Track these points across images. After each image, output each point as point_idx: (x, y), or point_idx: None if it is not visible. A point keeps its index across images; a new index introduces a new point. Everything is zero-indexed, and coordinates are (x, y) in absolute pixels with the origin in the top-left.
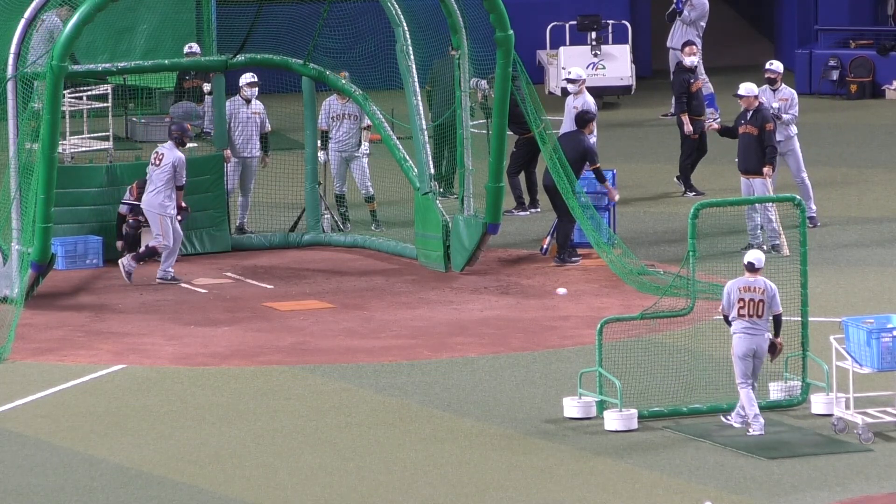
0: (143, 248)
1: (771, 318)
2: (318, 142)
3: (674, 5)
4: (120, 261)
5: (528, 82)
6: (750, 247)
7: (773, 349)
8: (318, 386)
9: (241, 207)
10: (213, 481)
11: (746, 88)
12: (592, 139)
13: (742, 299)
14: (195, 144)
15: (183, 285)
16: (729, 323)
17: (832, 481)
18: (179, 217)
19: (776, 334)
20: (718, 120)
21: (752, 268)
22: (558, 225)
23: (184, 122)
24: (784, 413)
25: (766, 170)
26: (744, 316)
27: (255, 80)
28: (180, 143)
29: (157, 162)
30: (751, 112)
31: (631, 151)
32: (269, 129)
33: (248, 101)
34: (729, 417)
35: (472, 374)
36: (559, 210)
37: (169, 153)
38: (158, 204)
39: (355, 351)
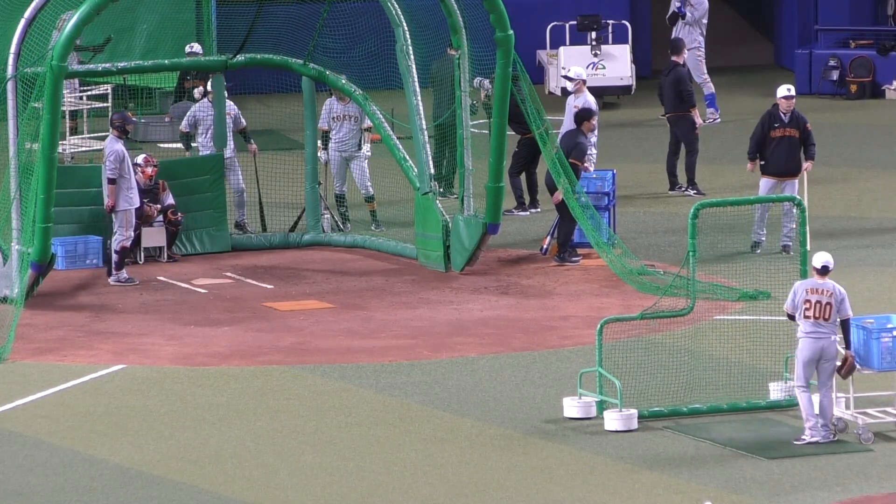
0: (114, 257)
1: (839, 322)
2: (319, 142)
3: (674, 8)
4: (109, 281)
5: (529, 83)
6: (756, 245)
7: (844, 364)
8: (318, 386)
9: (237, 206)
10: (213, 481)
11: (792, 90)
12: (594, 138)
13: (808, 301)
14: (192, 144)
15: (182, 285)
16: (792, 319)
17: (832, 481)
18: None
19: (847, 343)
20: (716, 118)
21: (825, 271)
22: (559, 224)
23: (125, 111)
24: (784, 413)
25: (808, 165)
26: (809, 318)
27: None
28: (123, 132)
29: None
30: (788, 114)
31: (631, 151)
32: (245, 124)
33: None
34: (803, 438)
35: (472, 374)
36: (560, 209)
37: (108, 145)
38: (116, 199)
39: (355, 351)
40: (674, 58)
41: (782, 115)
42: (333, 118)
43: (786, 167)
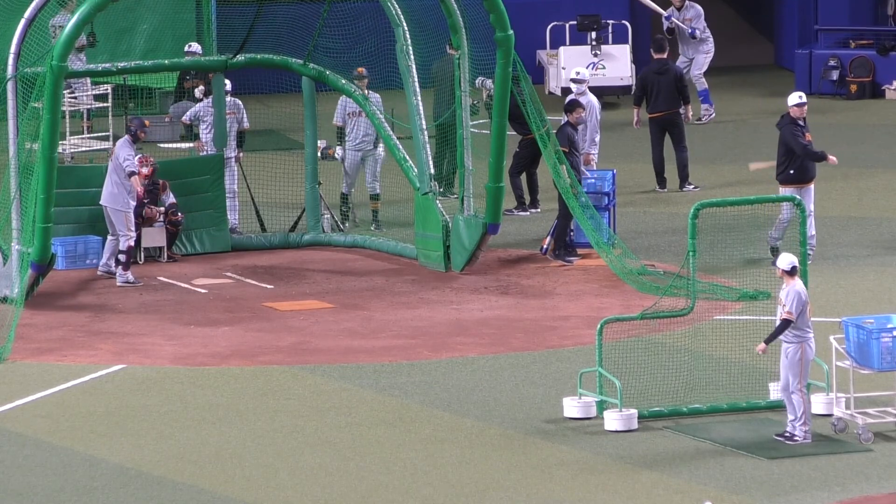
0: (122, 257)
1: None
2: (322, 142)
3: (689, 32)
4: (117, 280)
5: (529, 83)
6: (775, 250)
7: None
8: (318, 386)
9: (230, 210)
10: (213, 481)
11: (803, 96)
12: (597, 137)
13: (807, 303)
14: (193, 144)
15: (182, 285)
16: (788, 326)
17: (832, 481)
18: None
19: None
20: (711, 114)
21: (796, 271)
22: (557, 221)
23: (141, 118)
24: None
25: (832, 158)
26: (810, 319)
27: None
28: (134, 138)
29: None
30: (802, 120)
31: (631, 151)
32: (248, 126)
33: None
34: (787, 434)
35: (472, 374)
36: (559, 207)
37: (120, 149)
38: (119, 199)
39: (355, 351)
40: (659, 55)
41: (800, 122)
42: (349, 114)
43: (808, 174)
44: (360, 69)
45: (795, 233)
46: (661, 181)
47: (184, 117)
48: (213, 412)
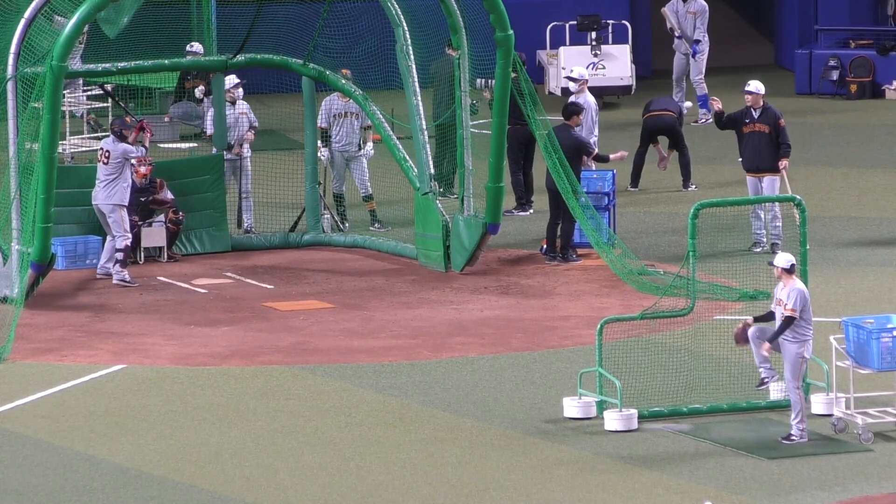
0: (120, 255)
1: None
2: (319, 141)
3: (690, 49)
4: (113, 280)
5: (528, 81)
6: (756, 245)
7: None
8: (318, 386)
9: (245, 210)
10: (213, 481)
11: (756, 86)
12: (593, 138)
13: (808, 301)
14: (195, 144)
15: (182, 285)
16: (791, 324)
17: (832, 481)
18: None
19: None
20: (708, 118)
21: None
22: (562, 225)
23: (123, 118)
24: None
25: (784, 163)
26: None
27: (239, 80)
28: (121, 138)
29: (106, 159)
30: (758, 110)
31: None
32: (257, 124)
33: (233, 103)
34: (792, 437)
35: (472, 374)
36: (563, 210)
37: (114, 148)
38: (113, 196)
39: (355, 351)
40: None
41: (752, 110)
42: (334, 116)
43: (754, 163)
44: (344, 70)
45: (794, 233)
46: (636, 180)
47: (207, 129)
48: (213, 412)
